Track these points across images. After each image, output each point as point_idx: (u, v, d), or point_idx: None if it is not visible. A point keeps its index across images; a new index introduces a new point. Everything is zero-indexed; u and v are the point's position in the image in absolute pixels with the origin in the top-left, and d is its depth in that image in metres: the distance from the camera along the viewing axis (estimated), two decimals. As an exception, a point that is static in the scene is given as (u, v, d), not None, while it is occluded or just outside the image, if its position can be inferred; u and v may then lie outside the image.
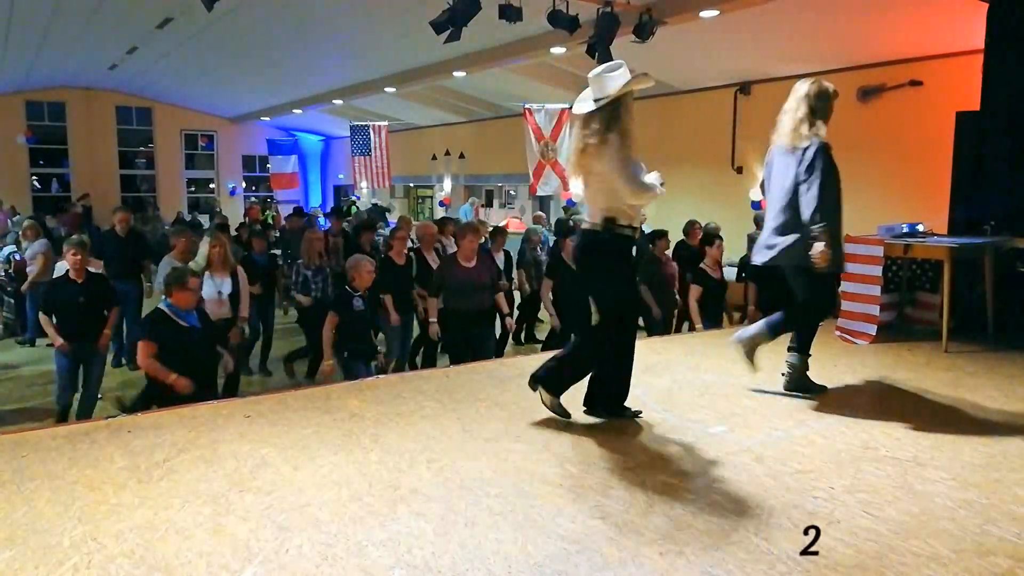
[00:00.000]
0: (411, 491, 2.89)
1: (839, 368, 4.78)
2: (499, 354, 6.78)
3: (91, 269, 6.12)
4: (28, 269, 8.72)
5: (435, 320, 6.20)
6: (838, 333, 5.65)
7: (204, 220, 17.43)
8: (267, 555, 2.41)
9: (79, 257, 5.79)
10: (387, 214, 17.30)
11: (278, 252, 10.26)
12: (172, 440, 3.44)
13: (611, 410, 3.76)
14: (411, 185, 21.70)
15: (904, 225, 5.75)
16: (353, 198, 19.81)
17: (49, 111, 21.48)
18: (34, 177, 21.76)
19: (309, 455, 3.26)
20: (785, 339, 4.19)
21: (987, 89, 6.02)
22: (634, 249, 3.74)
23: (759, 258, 4.15)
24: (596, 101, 3.54)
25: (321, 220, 14.29)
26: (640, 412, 3.81)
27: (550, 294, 7.22)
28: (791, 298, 4.21)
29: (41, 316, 5.91)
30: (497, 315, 6.59)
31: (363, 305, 5.76)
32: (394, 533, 2.55)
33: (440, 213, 17.26)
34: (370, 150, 16.40)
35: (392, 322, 6.70)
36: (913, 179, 8.72)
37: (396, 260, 7.00)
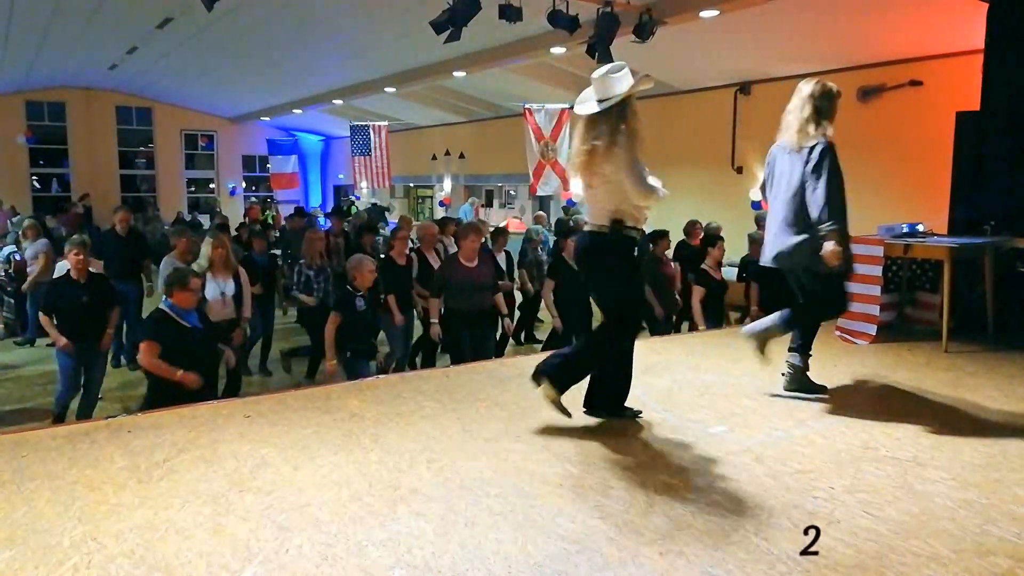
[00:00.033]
0: (411, 491, 2.89)
1: (839, 368, 4.78)
2: (499, 354, 6.79)
3: (91, 269, 6.11)
4: (29, 269, 8.72)
5: (436, 321, 6.20)
6: (838, 333, 5.65)
7: (204, 220, 17.44)
8: (267, 555, 2.41)
9: (81, 257, 5.78)
10: (386, 214, 17.31)
11: (278, 252, 10.26)
12: (172, 440, 3.44)
13: (611, 410, 3.76)
14: (411, 185, 21.71)
15: (904, 225, 5.75)
16: (352, 198, 19.82)
17: (49, 111, 21.50)
18: (34, 177, 21.77)
19: (309, 455, 3.26)
20: (785, 339, 4.19)
21: (987, 89, 6.02)
22: (636, 250, 3.73)
23: (770, 260, 4.11)
24: (601, 102, 3.52)
25: (321, 220, 14.30)
26: (640, 412, 3.81)
27: (551, 294, 7.22)
28: (792, 297, 4.20)
29: (41, 316, 5.91)
30: (498, 315, 6.60)
31: (365, 305, 5.76)
32: (394, 533, 2.55)
33: (440, 213, 17.26)
34: (370, 150, 16.40)
35: (396, 322, 6.70)
36: (913, 179, 8.72)
37: (397, 260, 7.00)
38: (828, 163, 3.80)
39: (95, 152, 21.99)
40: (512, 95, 13.53)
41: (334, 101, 16.96)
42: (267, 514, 2.69)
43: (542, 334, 8.97)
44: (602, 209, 3.58)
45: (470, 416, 3.82)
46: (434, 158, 18.44)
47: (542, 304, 7.91)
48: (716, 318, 7.14)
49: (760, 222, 8.32)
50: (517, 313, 8.71)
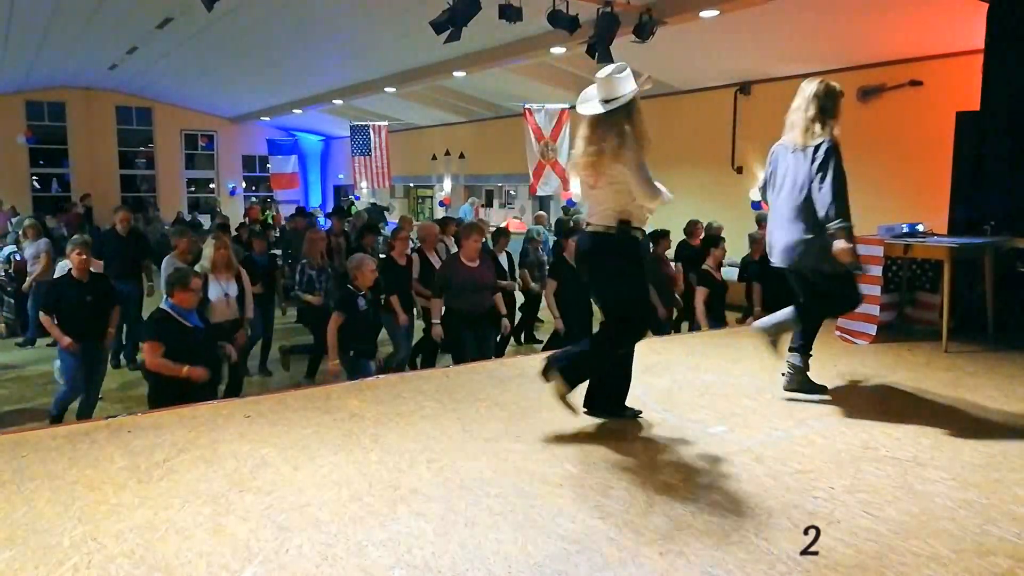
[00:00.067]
0: (411, 491, 2.89)
1: (839, 368, 4.78)
2: (499, 354, 6.79)
3: (92, 269, 6.11)
4: (30, 269, 8.71)
5: (438, 321, 6.20)
6: (838, 333, 5.65)
7: (204, 220, 17.45)
8: (267, 555, 2.41)
9: (84, 257, 5.77)
10: (386, 214, 17.31)
11: (278, 252, 10.27)
12: (172, 440, 3.44)
13: (611, 410, 3.76)
14: (411, 185, 21.72)
15: (904, 225, 5.74)
16: (352, 198, 19.82)
17: (49, 111, 21.51)
18: (34, 177, 21.79)
19: (309, 455, 3.26)
20: (784, 340, 4.18)
21: (987, 89, 6.02)
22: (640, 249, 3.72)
23: (778, 259, 4.10)
24: (606, 103, 3.50)
25: (321, 220, 14.30)
26: (640, 412, 3.81)
27: (553, 295, 7.22)
28: (793, 297, 4.20)
29: (42, 316, 5.90)
30: (499, 316, 6.60)
31: (367, 305, 5.76)
32: (394, 533, 2.55)
33: (440, 213, 17.27)
34: (370, 150, 16.41)
35: (400, 322, 6.71)
36: (913, 179, 8.73)
37: (397, 260, 7.00)
38: (833, 162, 3.80)
39: (95, 152, 22.00)
40: (512, 95, 13.54)
41: (334, 101, 16.97)
42: (267, 514, 2.69)
43: (542, 334, 8.97)
44: (607, 209, 3.56)
45: (470, 416, 3.82)
46: (434, 158, 18.44)
47: (542, 304, 7.91)
48: (718, 318, 7.15)
49: (761, 222, 8.32)
50: (518, 314, 8.71)
